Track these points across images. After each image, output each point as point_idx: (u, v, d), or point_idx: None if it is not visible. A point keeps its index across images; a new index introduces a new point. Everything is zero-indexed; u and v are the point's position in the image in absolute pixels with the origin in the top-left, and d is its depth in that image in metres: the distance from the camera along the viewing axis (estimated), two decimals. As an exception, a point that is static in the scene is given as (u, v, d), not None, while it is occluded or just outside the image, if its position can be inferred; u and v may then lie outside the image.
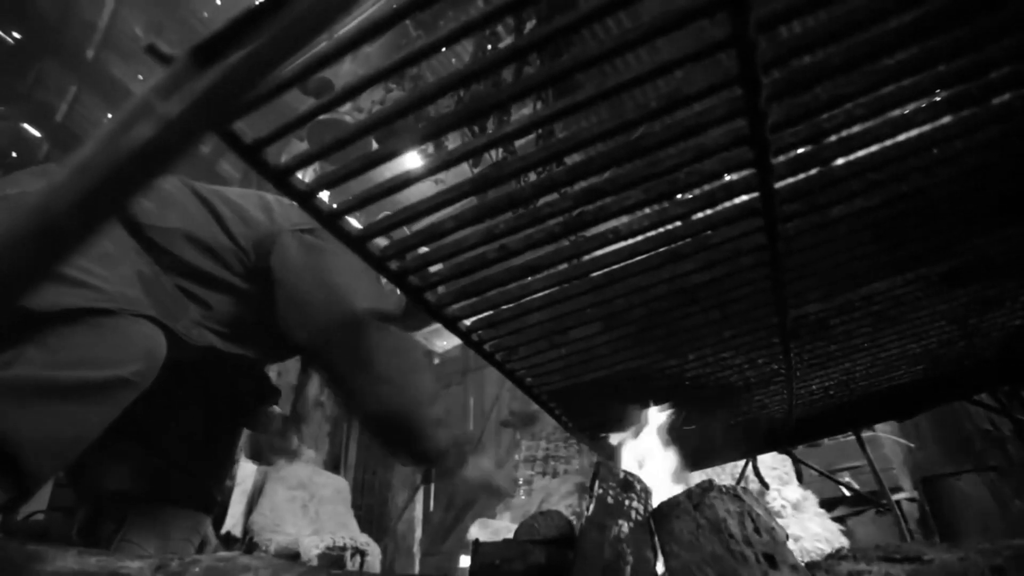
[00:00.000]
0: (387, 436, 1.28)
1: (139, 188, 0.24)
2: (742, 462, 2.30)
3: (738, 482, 2.31)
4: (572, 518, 1.05)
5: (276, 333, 1.30)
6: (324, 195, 0.70)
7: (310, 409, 5.33)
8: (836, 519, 2.53)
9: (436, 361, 6.56)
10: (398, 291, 1.64)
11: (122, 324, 1.08)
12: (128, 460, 1.32)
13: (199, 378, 1.35)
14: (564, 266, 0.88)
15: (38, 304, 1.02)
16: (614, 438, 1.40)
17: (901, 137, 0.71)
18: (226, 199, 1.36)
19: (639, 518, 0.83)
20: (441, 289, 0.89)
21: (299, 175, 0.66)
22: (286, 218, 1.36)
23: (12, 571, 0.88)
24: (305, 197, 0.67)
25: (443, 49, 0.55)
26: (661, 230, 0.80)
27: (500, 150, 3.12)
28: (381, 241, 0.78)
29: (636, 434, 1.29)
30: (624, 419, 1.36)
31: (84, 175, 0.23)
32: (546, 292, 0.93)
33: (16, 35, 4.66)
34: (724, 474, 2.59)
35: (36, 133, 4.81)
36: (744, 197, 0.75)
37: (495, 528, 3.28)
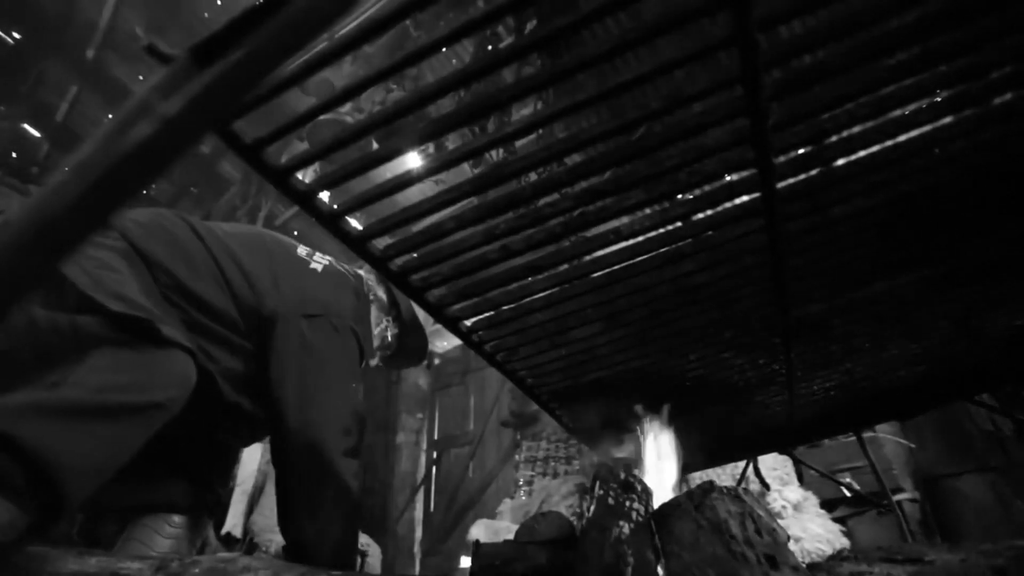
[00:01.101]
0: (298, 554, 1.27)
1: (139, 188, 0.23)
2: (743, 463, 2.30)
3: (739, 483, 2.31)
4: (573, 519, 1.05)
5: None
6: (324, 195, 0.70)
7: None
8: (837, 520, 2.52)
9: (436, 362, 6.57)
10: (389, 338, 1.68)
11: (168, 355, 1.13)
12: (131, 470, 1.34)
13: (206, 405, 1.36)
14: (565, 266, 0.88)
15: (169, 334, 1.09)
16: (617, 439, 1.40)
17: (902, 137, 0.70)
18: (234, 255, 1.37)
19: (640, 519, 0.83)
20: (442, 289, 0.89)
21: (299, 175, 0.66)
22: (290, 295, 1.38)
23: (12, 572, 0.88)
24: (305, 197, 0.67)
25: (443, 49, 0.55)
26: (662, 230, 0.80)
27: (500, 150, 3.12)
28: (382, 241, 0.78)
29: (638, 436, 1.29)
30: (625, 420, 1.36)
31: (84, 174, 0.23)
32: (547, 292, 0.93)
33: (16, 35, 4.66)
34: (725, 475, 2.59)
35: (36, 133, 4.82)
36: (745, 197, 0.75)
37: (496, 529, 3.27)
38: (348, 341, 1.42)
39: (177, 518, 1.45)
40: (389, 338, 1.69)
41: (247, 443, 1.68)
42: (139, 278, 1.19)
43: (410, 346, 1.78)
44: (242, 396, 1.35)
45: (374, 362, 1.69)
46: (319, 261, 1.52)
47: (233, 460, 1.77)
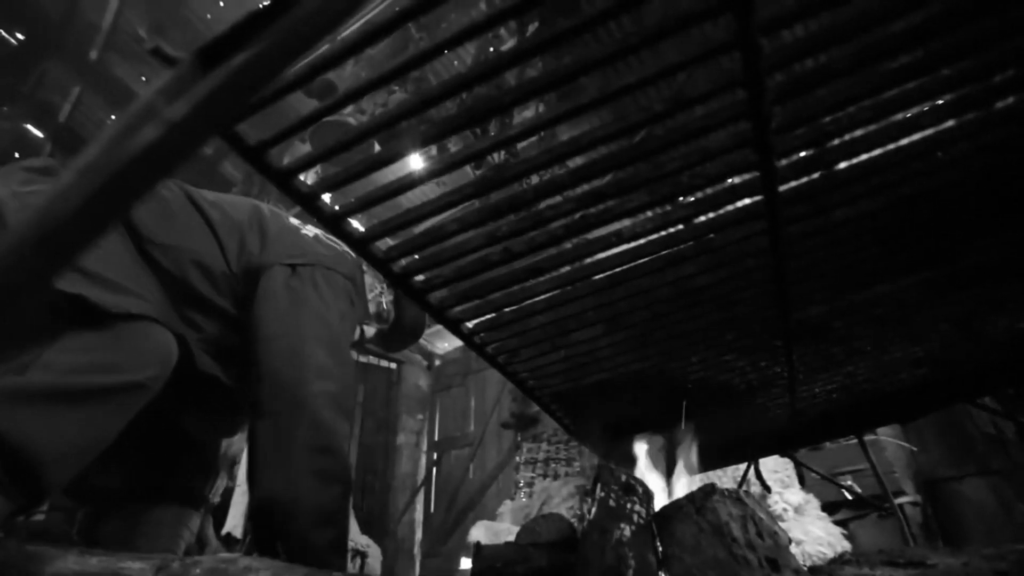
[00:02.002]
0: (265, 521, 1.11)
1: (144, 191, 0.24)
2: (744, 465, 2.30)
3: (740, 485, 2.31)
4: (573, 521, 1.05)
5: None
6: (326, 197, 0.70)
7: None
8: (838, 523, 2.52)
9: (437, 363, 6.57)
10: (384, 305, 1.63)
11: (140, 329, 1.07)
12: (111, 456, 1.31)
13: (186, 389, 1.33)
14: (567, 269, 0.88)
15: (105, 302, 1.01)
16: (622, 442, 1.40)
17: (904, 140, 0.70)
18: (225, 215, 1.34)
19: (641, 521, 0.83)
20: (444, 291, 0.89)
21: (301, 177, 0.66)
22: (277, 248, 1.34)
23: (12, 572, 0.88)
24: (308, 199, 0.67)
25: (445, 52, 0.55)
26: (664, 233, 0.80)
27: (502, 153, 3.12)
28: (384, 243, 0.78)
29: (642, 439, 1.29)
30: (626, 422, 1.36)
31: (88, 178, 0.23)
32: (549, 295, 0.93)
33: (19, 35, 4.67)
34: (726, 477, 2.59)
35: (39, 134, 4.83)
36: (747, 200, 0.75)
37: (496, 530, 3.27)
38: (338, 290, 1.34)
39: (160, 512, 1.44)
40: (385, 305, 1.62)
41: (224, 431, 1.58)
42: (112, 241, 1.14)
43: (406, 318, 1.68)
44: (219, 367, 1.29)
45: (370, 331, 1.63)
46: (311, 229, 1.49)
47: (212, 454, 1.72)
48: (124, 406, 1.03)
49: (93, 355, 1.01)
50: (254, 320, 1.24)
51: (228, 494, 3.59)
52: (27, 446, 0.90)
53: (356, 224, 0.76)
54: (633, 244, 0.81)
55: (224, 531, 3.44)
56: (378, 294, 1.61)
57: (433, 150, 3.39)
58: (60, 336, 1.01)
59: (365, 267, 1.55)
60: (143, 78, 5.12)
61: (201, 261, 1.25)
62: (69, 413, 0.96)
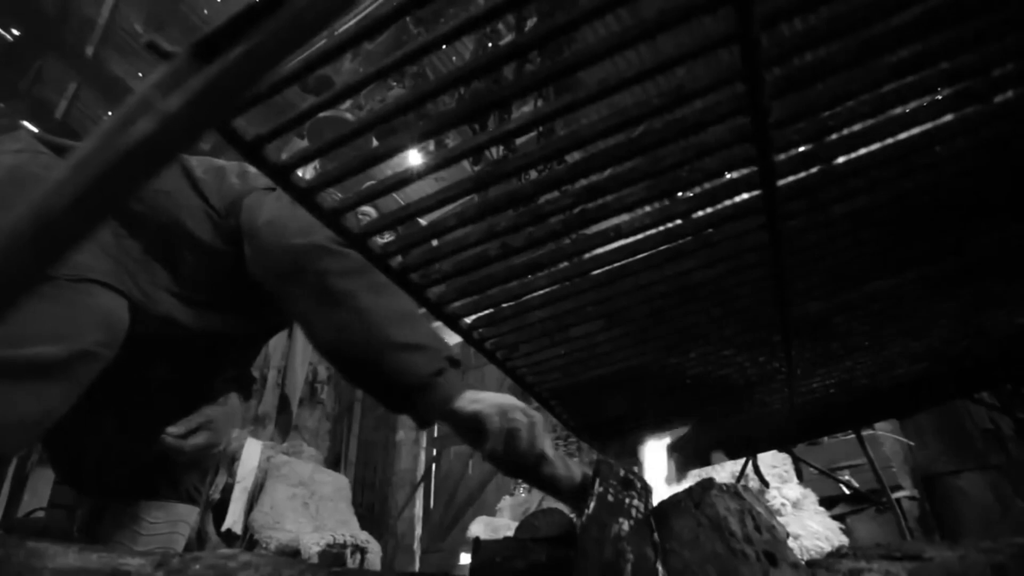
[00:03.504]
0: (358, 374, 1.13)
1: (139, 185, 0.23)
2: (742, 460, 2.31)
3: (738, 480, 2.32)
4: (572, 516, 1.05)
5: (253, 297, 1.23)
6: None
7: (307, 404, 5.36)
8: (836, 517, 2.53)
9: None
10: None
11: (72, 293, 1.01)
12: (110, 449, 1.29)
13: (175, 364, 1.31)
14: (565, 264, 0.88)
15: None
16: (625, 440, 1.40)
17: (903, 135, 0.70)
18: (206, 163, 1.34)
19: (640, 516, 0.83)
20: (442, 287, 0.89)
21: (299, 172, 0.66)
22: (258, 180, 1.33)
23: (12, 569, 0.88)
24: (306, 195, 0.67)
25: (444, 46, 0.54)
26: (662, 228, 0.80)
27: (501, 148, 3.11)
28: (382, 238, 0.78)
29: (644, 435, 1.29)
30: (625, 418, 1.36)
31: (84, 171, 0.23)
32: (547, 290, 0.93)
33: (16, 32, 4.65)
34: (724, 472, 2.60)
35: (35, 130, 4.81)
36: (746, 195, 0.75)
37: (495, 526, 3.29)
38: None
39: (158, 509, 1.43)
40: None
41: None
42: None
43: None
44: (202, 312, 1.25)
45: None
46: None
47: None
48: (72, 376, 0.99)
49: (28, 326, 0.95)
50: (244, 222, 1.24)
51: (228, 490, 3.60)
52: None
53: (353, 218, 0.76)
54: (632, 239, 0.81)
55: (224, 527, 3.45)
56: None
57: (431, 146, 3.39)
58: None
59: None
60: (140, 74, 5.11)
61: (171, 194, 1.24)
62: (9, 387, 0.92)
